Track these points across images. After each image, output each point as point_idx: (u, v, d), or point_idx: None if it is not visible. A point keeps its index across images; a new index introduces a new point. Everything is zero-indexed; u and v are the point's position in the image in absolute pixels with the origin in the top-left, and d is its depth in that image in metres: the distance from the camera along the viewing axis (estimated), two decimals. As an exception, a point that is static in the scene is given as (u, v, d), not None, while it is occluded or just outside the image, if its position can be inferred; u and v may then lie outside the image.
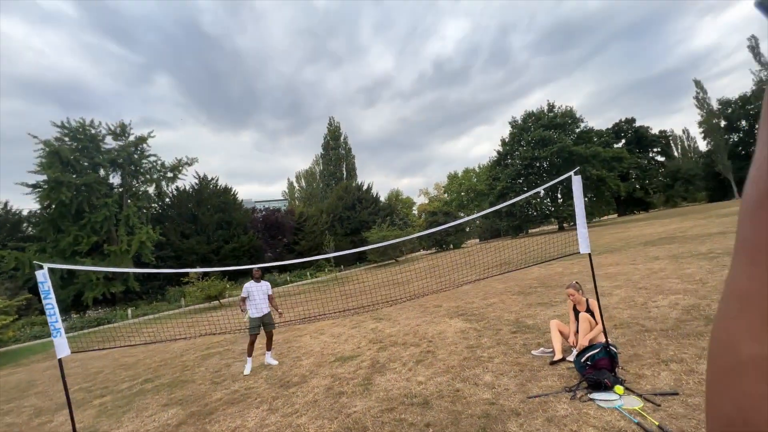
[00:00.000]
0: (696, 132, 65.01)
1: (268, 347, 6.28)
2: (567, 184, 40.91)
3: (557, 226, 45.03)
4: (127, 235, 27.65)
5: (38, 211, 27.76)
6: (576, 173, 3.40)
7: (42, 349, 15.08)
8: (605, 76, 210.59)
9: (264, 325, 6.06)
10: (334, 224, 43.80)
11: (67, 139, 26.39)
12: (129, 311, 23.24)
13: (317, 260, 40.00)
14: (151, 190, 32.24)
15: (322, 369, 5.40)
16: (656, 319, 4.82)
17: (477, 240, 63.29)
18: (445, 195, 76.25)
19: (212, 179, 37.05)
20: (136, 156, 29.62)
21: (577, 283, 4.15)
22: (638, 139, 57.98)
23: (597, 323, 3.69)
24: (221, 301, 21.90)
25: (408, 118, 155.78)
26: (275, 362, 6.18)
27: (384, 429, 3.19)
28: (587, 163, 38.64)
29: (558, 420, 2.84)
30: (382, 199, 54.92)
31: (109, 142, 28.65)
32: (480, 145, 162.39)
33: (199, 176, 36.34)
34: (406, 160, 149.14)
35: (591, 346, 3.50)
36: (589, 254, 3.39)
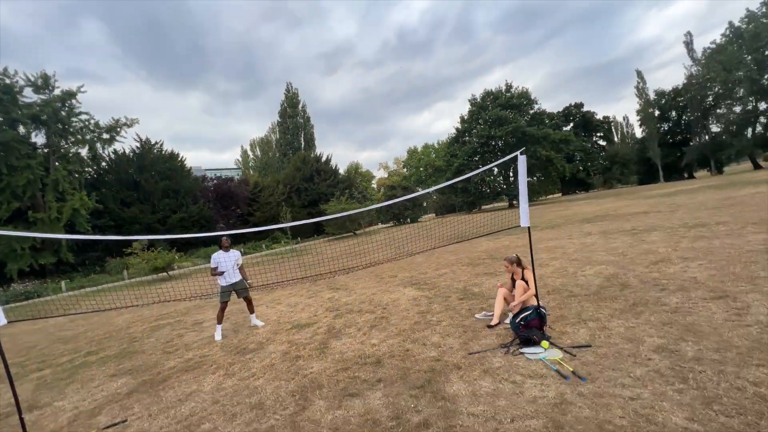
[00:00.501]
0: (634, 120, 70.49)
1: (251, 311, 6.44)
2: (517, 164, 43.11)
3: (508, 204, 47.65)
4: (56, 201, 25.02)
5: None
6: (522, 153, 3.68)
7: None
8: (561, 59, 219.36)
9: (237, 292, 6.05)
10: (291, 196, 42.77)
11: (-26, 88, 22.74)
12: (63, 284, 21.48)
13: (273, 230, 39.19)
14: (84, 152, 29.11)
15: (278, 336, 5.53)
16: (582, 286, 5.48)
17: (433, 215, 65.30)
18: (405, 170, 77.00)
19: (156, 143, 34.19)
20: (63, 113, 26.33)
21: (516, 255, 4.56)
22: (585, 123, 62.05)
23: (530, 289, 4.15)
24: (170, 273, 20.92)
25: (370, 88, 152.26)
26: (261, 323, 6.39)
27: (338, 386, 3.43)
28: (538, 144, 40.79)
29: (493, 371, 3.24)
30: (342, 171, 54.31)
31: (30, 95, 25.14)
32: (441, 121, 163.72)
33: (141, 140, 33.35)
34: (367, 133, 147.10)
35: (525, 309, 3.95)
36: (528, 228, 3.76)
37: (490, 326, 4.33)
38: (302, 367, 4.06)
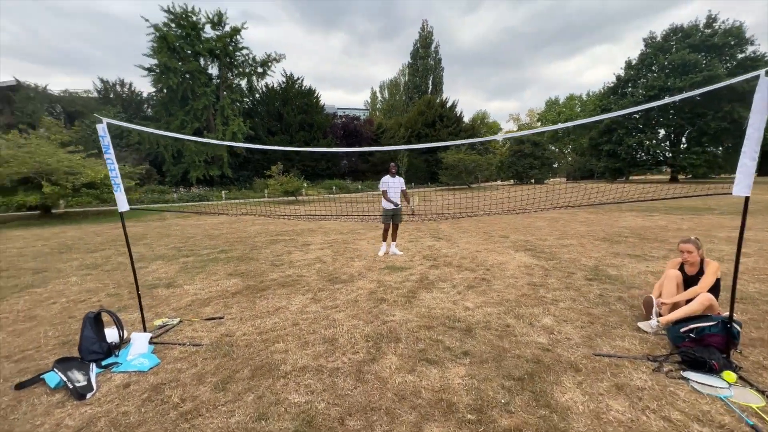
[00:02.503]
0: None
1: (393, 238, 6.79)
2: (700, 127, 33.11)
3: (669, 177, 38.16)
4: (222, 125, 30.16)
5: (154, 94, 31.20)
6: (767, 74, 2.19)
7: (156, 212, 18.12)
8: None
9: (394, 216, 6.40)
10: (410, 140, 42.54)
11: (173, 25, 27.83)
12: (223, 193, 26.54)
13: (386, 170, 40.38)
14: (243, 84, 33.76)
15: (370, 273, 5.37)
16: (801, 303, 3.63)
17: (564, 179, 57.25)
18: (539, 123, 68.06)
19: (298, 79, 37.31)
20: (230, 48, 30.49)
21: (697, 239, 3.12)
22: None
23: (703, 289, 2.80)
24: (297, 197, 23.63)
25: (514, 28, 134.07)
26: (400, 253, 6.63)
27: (417, 345, 2.96)
28: (738, 102, 30.19)
29: (631, 390, 2.28)
30: (466, 120, 50.97)
31: (208, 32, 29.65)
32: (595, 70, 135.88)
33: (286, 74, 36.77)
34: (501, 80, 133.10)
35: (701, 317, 2.68)
36: (746, 199, 2.35)
37: (646, 327, 3.13)
38: (384, 312, 3.73)
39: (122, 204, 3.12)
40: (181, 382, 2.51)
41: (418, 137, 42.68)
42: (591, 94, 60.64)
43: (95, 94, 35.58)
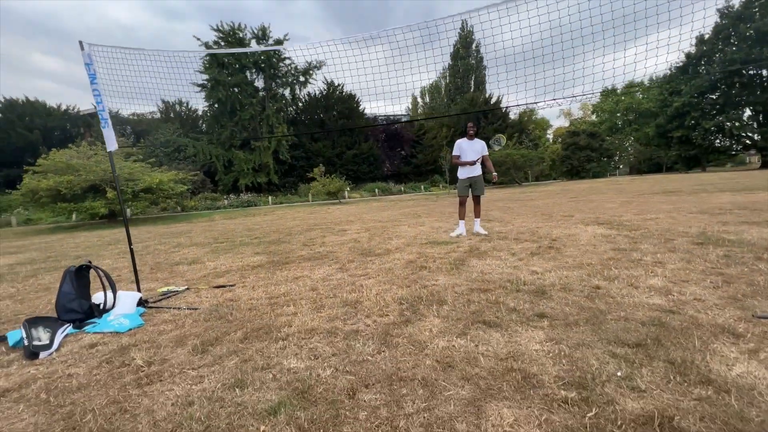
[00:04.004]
0: None
1: (476, 214, 5.42)
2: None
3: (760, 163, 32.97)
4: (268, 132, 31.25)
5: (206, 109, 33.29)
6: None
7: (207, 215, 18.86)
8: None
9: (473, 188, 5.31)
10: (454, 138, 41.19)
11: (222, 42, 29.54)
12: (269, 198, 27.29)
13: (433, 173, 39.34)
14: (287, 93, 34.89)
15: (410, 247, 4.60)
16: None
17: (627, 174, 52.01)
18: (593, 116, 63.01)
19: (338, 85, 37.87)
20: (274, 59, 31.68)
21: None
22: None
23: None
24: (340, 199, 23.52)
25: (560, 21, 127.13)
26: (485, 232, 5.35)
27: (469, 307, 2.14)
28: None
29: None
30: (512, 116, 48.44)
31: (254, 46, 31.08)
32: (651, 60, 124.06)
33: (327, 81, 37.49)
34: (549, 78, 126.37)
35: None
36: None
37: None
38: (424, 278, 2.94)
39: (111, 143, 2.68)
40: (155, 344, 1.93)
41: (462, 135, 41.15)
42: (654, 79, 54.98)
43: (158, 115, 38.96)
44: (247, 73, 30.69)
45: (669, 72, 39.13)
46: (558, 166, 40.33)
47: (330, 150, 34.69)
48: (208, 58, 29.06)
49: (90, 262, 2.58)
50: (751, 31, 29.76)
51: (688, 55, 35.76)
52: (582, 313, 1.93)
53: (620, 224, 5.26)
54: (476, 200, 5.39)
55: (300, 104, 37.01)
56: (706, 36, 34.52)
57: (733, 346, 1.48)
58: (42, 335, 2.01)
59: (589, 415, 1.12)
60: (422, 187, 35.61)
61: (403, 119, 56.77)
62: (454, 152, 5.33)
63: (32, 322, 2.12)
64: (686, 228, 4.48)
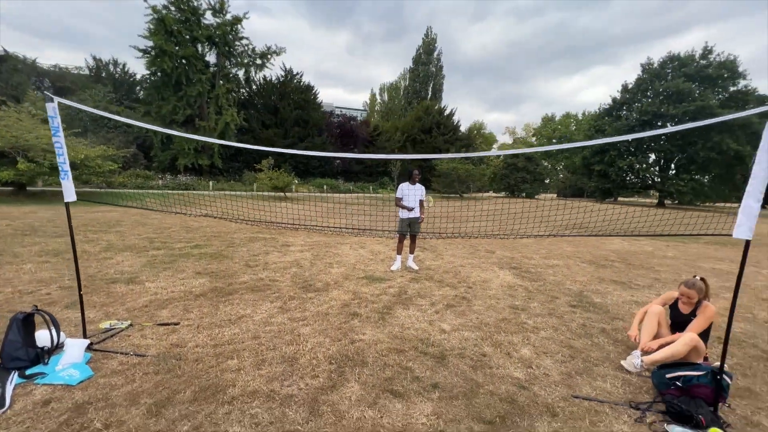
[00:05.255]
0: None
1: (411, 250, 6.13)
2: (690, 155, 33.73)
3: (657, 201, 38.77)
4: (215, 114, 29.56)
5: (147, 77, 30.45)
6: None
7: (140, 198, 17.50)
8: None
9: (411, 227, 5.86)
10: (406, 145, 42.43)
11: (172, 8, 27.21)
12: (211, 183, 25.95)
13: (382, 175, 40.17)
14: (241, 74, 33.22)
15: (347, 282, 5.10)
16: (787, 348, 3.49)
17: (554, 195, 57.78)
18: (533, 139, 68.73)
19: (297, 74, 36.91)
20: (230, 36, 29.96)
21: (703, 280, 2.94)
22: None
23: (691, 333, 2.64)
24: (286, 194, 23.21)
25: (518, 42, 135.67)
26: (416, 267, 6.04)
27: (384, 373, 2.71)
28: (728, 133, 30.92)
29: (610, 443, 2.06)
30: (463, 129, 51.07)
31: (208, 18, 29.09)
32: (593, 89, 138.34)
33: (285, 69, 36.34)
34: (501, 93, 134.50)
35: (691, 364, 2.50)
36: (747, 242, 2.17)
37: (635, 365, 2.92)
38: (354, 329, 3.47)
39: (69, 193, 2.81)
40: (110, 402, 2.21)
41: (414, 143, 42.57)
42: (587, 113, 61.51)
43: (87, 72, 34.65)
44: (199, 47, 28.62)
45: (598, 111, 44.16)
46: (498, 182, 43.52)
47: (282, 140, 33.82)
48: (154, 20, 26.64)
49: (36, 307, 2.70)
50: (663, 89, 34.76)
51: (614, 100, 40.65)
52: (465, 385, 2.59)
53: (527, 271, 6.28)
54: (412, 238, 6.08)
55: (254, 87, 35.41)
56: (630, 86, 39.53)
57: (548, 424, 2.21)
58: (-9, 389, 2.17)
59: (441, 485, 1.72)
60: (371, 188, 36.20)
61: (358, 114, 56.77)
62: (397, 194, 5.86)
63: (-23, 373, 2.25)
64: (572, 283, 5.56)
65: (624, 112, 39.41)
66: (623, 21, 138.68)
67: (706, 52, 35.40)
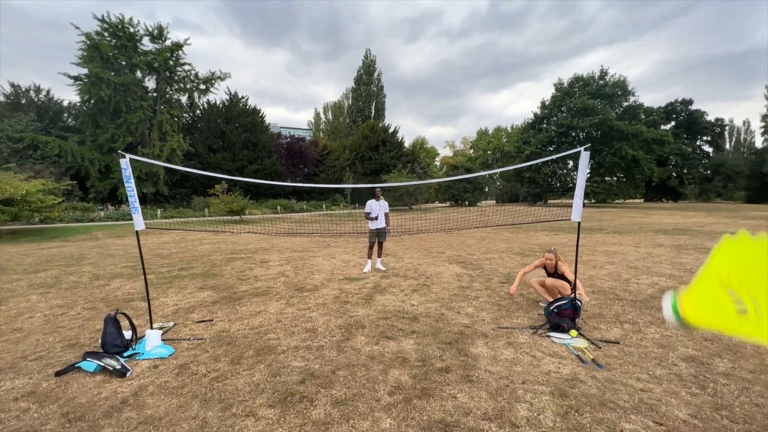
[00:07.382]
0: (757, 125, 59.59)
1: (379, 254, 7.49)
2: (598, 160, 39.46)
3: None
4: (159, 140, 28.81)
5: (78, 104, 28.86)
6: (586, 149, 3.74)
7: (85, 230, 16.87)
8: (682, 43, 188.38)
9: (379, 236, 7.20)
10: (355, 162, 44.09)
11: (107, 35, 26.46)
12: (158, 211, 25.18)
13: (335, 192, 41.26)
14: (184, 99, 32.71)
15: (331, 283, 6.30)
16: (631, 292, 5.39)
17: (494, 201, 63.01)
18: (471, 151, 74.45)
19: (242, 97, 37.10)
20: (171, 62, 29.64)
21: (555, 249, 4.71)
22: (690, 123, 53.44)
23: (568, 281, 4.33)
24: (242, 217, 23.40)
25: (450, 61, 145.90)
26: (383, 268, 7.38)
27: (378, 329, 4.01)
28: (625, 141, 36.92)
29: (517, 345, 3.57)
30: (407, 144, 54.18)
31: (146, 44, 28.62)
32: (520, 103, 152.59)
33: (230, 93, 36.42)
34: (439, 108, 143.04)
35: (561, 298, 4.13)
36: (579, 223, 3.87)
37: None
38: (349, 310, 4.72)
39: (138, 223, 3.77)
40: (201, 361, 3.26)
41: (362, 160, 44.40)
42: (515, 127, 68.43)
43: (2, 99, 31.80)
44: (138, 73, 27.95)
45: (523, 125, 49.59)
46: (443, 192, 46.76)
47: (230, 163, 33.61)
48: (86, 47, 25.73)
49: (118, 310, 3.62)
50: (573, 105, 40.40)
51: (535, 115, 46.05)
52: (431, 329, 3.98)
53: (470, 263, 7.93)
54: (380, 245, 7.46)
55: (198, 112, 34.91)
56: (547, 102, 45.15)
57: (483, 341, 3.66)
58: (113, 363, 3.11)
59: (424, 369, 3.06)
60: (324, 206, 37.08)
61: (306, 134, 57.49)
62: (366, 210, 7.22)
63: (95, 356, 3.17)
64: (504, 269, 7.29)
65: (544, 125, 44.95)
66: (537, 44, 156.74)
67: (603, 73, 42.14)
